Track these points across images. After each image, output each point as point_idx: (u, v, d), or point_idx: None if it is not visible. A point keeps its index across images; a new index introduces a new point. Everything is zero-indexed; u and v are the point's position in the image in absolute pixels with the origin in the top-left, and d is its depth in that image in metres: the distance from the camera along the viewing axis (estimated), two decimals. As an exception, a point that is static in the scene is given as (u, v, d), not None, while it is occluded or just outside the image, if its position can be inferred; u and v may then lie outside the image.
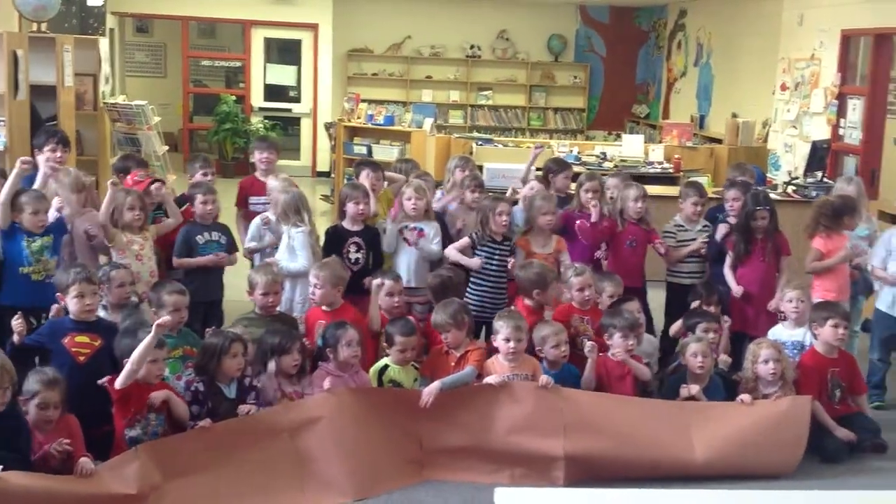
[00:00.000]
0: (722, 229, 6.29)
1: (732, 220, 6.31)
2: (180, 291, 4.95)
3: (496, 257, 5.83)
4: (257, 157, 6.86)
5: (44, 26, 9.09)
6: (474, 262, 5.81)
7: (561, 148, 11.17)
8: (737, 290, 6.03)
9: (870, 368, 6.07)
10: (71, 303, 4.67)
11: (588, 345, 5.11)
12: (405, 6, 15.99)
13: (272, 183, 6.27)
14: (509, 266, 5.77)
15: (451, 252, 5.86)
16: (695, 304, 5.90)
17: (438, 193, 6.71)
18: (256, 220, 6.14)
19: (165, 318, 4.42)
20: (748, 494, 4.09)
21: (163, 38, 16.56)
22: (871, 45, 9.78)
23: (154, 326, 4.29)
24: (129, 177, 6.29)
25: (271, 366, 4.71)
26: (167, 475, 4.21)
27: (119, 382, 4.25)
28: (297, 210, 5.78)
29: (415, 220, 5.95)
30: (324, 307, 5.28)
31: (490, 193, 6.42)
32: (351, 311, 5.32)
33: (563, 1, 16.28)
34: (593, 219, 6.21)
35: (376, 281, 5.46)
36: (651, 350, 5.66)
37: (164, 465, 4.21)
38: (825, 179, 8.85)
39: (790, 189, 8.86)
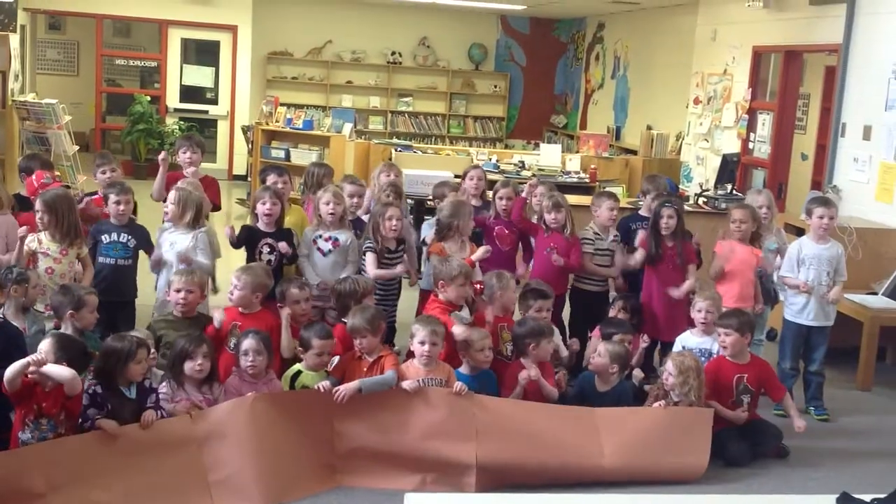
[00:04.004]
0: (641, 235, 6.30)
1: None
2: (89, 294, 4.84)
3: (394, 263, 5.92)
4: (180, 156, 6.72)
5: (-50, 20, 8.83)
6: (398, 269, 5.91)
7: (480, 156, 11.24)
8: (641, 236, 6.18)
9: (780, 377, 6.18)
10: None
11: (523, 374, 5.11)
12: (326, 10, 15.92)
13: (181, 185, 6.11)
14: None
15: (376, 274, 5.81)
16: (612, 312, 5.98)
17: (368, 194, 6.69)
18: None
19: (38, 357, 4.13)
20: (654, 498, 4.14)
21: (76, 35, 16.16)
22: (781, 61, 10.06)
23: (31, 360, 4.08)
24: (34, 177, 6.13)
25: (164, 386, 4.61)
26: (69, 478, 4.11)
27: (6, 378, 4.08)
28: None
29: (330, 227, 5.90)
30: (240, 308, 5.21)
31: (409, 201, 6.42)
32: (268, 317, 5.24)
33: (485, 10, 16.38)
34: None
35: (285, 312, 5.28)
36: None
37: (62, 468, 4.11)
38: (734, 192, 9.06)
39: (701, 200, 9.05)
